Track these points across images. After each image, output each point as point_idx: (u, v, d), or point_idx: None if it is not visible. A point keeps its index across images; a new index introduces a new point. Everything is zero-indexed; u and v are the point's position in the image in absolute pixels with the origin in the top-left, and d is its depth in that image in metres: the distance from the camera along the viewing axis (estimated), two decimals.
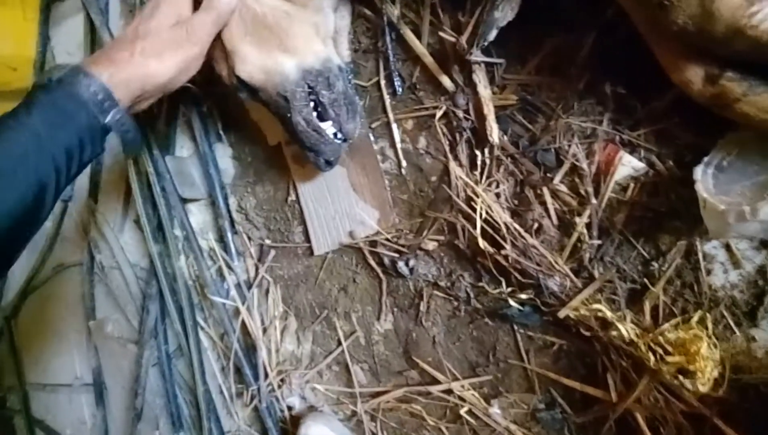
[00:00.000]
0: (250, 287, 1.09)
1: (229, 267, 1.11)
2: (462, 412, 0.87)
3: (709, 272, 0.65)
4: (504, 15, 0.69)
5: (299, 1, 0.79)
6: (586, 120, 0.69)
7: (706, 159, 0.60)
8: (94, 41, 1.18)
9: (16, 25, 1.41)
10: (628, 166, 0.67)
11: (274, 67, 0.80)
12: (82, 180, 1.43)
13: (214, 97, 1.08)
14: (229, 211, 1.10)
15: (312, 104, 0.81)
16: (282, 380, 1.08)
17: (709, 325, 0.65)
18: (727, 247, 0.65)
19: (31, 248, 1.69)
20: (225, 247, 1.11)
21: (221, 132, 1.09)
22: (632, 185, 0.68)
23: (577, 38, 0.69)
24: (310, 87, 0.80)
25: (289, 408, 1.10)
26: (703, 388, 0.62)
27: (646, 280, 0.68)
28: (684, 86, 0.59)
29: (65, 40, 1.39)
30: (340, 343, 1.02)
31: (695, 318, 0.66)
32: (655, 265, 0.68)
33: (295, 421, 1.07)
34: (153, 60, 0.70)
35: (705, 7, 0.53)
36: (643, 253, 0.69)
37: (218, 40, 0.82)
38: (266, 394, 1.09)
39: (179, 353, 1.26)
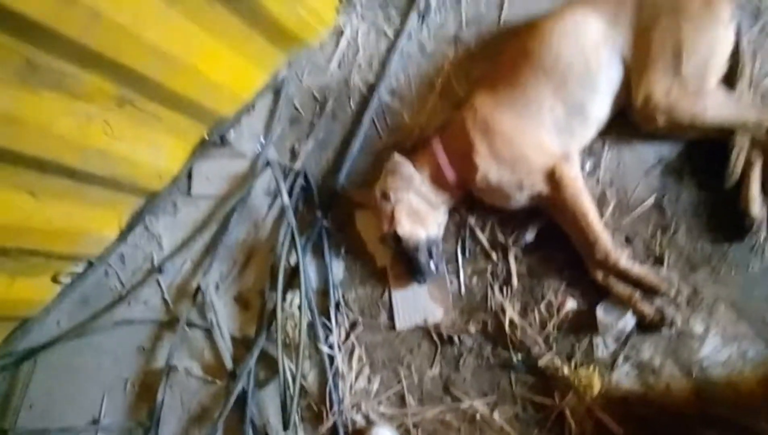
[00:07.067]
0: (342, 344, 1.84)
1: (330, 330, 1.85)
2: (477, 416, 1.72)
3: (596, 349, 1.68)
4: (530, 237, 1.72)
5: (433, 204, 1.74)
6: (558, 287, 1.72)
7: (601, 303, 1.65)
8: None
9: (172, 149, 2.05)
10: (572, 304, 1.70)
11: (416, 233, 1.72)
12: (184, 263, 2.05)
13: (341, 235, 1.91)
14: (336, 298, 1.88)
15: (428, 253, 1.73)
16: (353, 406, 1.81)
17: (597, 370, 1.66)
18: (604, 341, 1.69)
19: (83, 303, 2.17)
20: (328, 318, 1.86)
21: (342, 253, 1.90)
22: (571, 313, 1.70)
23: (558, 255, 1.74)
24: (428, 245, 1.73)
25: (353, 423, 1.82)
26: (595, 393, 1.62)
27: (576, 351, 1.69)
28: (595, 278, 1.65)
29: (207, 170, 2.08)
30: (400, 382, 1.81)
31: (591, 367, 1.67)
32: (577, 346, 1.69)
33: (358, 432, 1.80)
34: None
35: (607, 254, 1.60)
36: (575, 343, 1.70)
37: (388, 209, 1.71)
38: (340, 415, 1.80)
39: (258, 389, 1.89)
